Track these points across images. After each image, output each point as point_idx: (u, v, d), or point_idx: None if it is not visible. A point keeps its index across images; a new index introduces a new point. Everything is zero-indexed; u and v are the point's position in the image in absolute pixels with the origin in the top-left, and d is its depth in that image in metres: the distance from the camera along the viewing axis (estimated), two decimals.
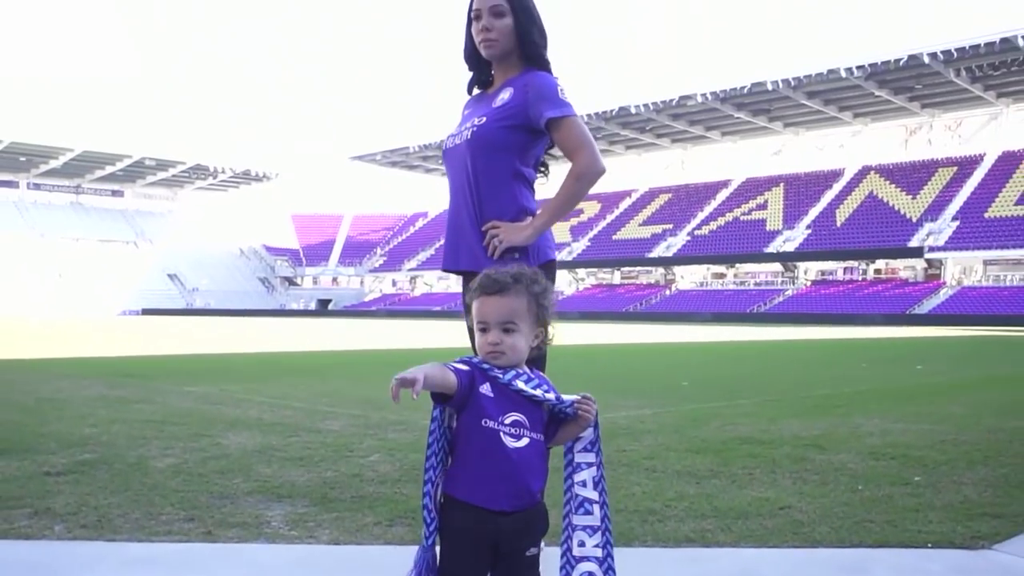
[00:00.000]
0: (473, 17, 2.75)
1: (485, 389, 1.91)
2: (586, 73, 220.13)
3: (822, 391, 9.00)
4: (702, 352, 19.09)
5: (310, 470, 4.44)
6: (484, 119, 2.72)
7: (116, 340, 21.64)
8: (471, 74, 2.91)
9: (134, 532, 3.23)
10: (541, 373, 2.07)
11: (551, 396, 1.95)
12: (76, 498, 3.74)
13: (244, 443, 5.24)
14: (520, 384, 1.92)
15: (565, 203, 2.70)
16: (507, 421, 1.90)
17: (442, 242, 2.94)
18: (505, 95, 2.73)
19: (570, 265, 75.79)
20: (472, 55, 2.83)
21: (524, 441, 1.91)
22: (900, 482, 4.23)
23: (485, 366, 1.93)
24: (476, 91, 2.94)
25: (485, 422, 1.89)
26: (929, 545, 3.13)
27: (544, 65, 2.79)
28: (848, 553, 3.06)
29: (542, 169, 2.86)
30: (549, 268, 2.76)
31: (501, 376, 1.92)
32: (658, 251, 74.75)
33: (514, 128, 2.69)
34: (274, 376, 10.27)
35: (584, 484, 2.01)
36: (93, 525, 3.32)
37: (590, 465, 2.01)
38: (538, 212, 2.71)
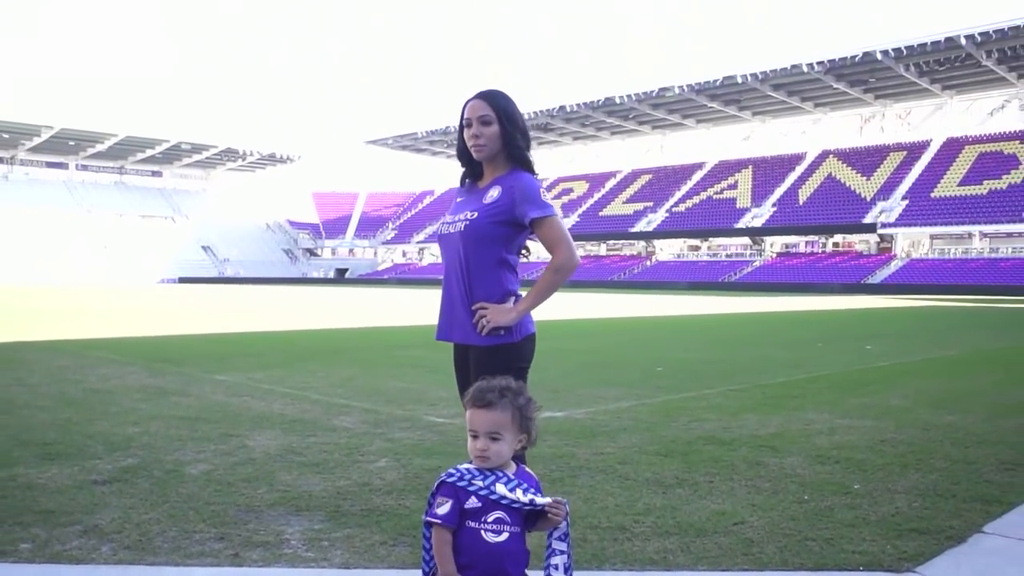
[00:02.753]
0: (465, 124, 2.78)
1: (471, 503, 1.97)
2: (576, 67, 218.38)
3: (780, 378, 9.07)
4: (677, 328, 19.17)
5: (325, 477, 4.51)
6: (476, 214, 2.77)
7: (155, 314, 21.70)
8: (463, 169, 2.95)
9: (171, 554, 3.30)
10: (524, 468, 2.14)
11: (526, 499, 2.01)
12: (121, 512, 3.81)
13: (268, 445, 5.31)
14: (500, 488, 1.99)
15: (544, 292, 2.76)
16: (490, 520, 1.97)
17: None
18: (495, 193, 2.77)
19: None
20: (464, 154, 2.87)
21: (504, 536, 1.98)
22: (841, 491, 4.30)
23: (467, 485, 1.99)
24: (467, 182, 2.97)
25: (469, 523, 1.96)
26: (860, 568, 3.20)
27: (527, 164, 2.83)
28: None
29: (524, 253, 2.91)
30: (530, 340, 2.82)
31: (482, 483, 1.98)
32: (640, 226, 74.72)
33: (502, 223, 2.75)
34: (295, 361, 10.32)
35: (557, 568, 2.09)
36: (135, 545, 3.38)
37: (562, 552, 2.09)
38: (522, 297, 2.77)
